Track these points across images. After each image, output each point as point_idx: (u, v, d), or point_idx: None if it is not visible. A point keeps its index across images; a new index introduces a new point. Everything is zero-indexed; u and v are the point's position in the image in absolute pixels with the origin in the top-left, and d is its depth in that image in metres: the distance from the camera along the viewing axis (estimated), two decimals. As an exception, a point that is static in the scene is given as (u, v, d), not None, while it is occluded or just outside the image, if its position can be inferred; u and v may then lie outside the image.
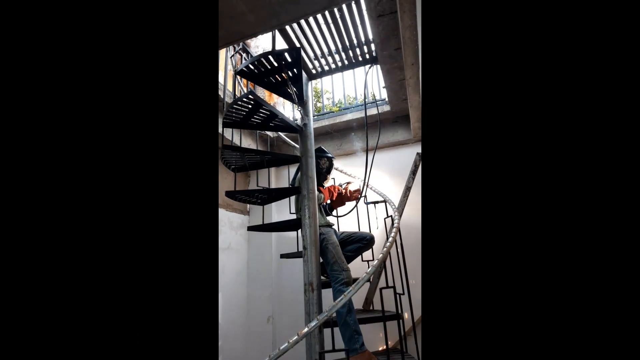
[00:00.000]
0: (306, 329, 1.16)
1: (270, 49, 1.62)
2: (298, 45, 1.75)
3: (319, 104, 3.24)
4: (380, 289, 1.50)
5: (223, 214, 2.50)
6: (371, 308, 2.08)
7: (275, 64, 1.58)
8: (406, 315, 1.67)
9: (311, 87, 2.13)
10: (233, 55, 2.06)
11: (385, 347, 1.46)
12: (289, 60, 1.55)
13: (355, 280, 1.57)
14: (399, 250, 1.70)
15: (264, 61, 1.56)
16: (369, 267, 1.37)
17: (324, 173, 2.01)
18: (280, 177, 2.91)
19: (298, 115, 1.90)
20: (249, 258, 2.74)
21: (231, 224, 2.60)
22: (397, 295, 1.55)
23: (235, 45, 2.07)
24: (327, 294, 1.66)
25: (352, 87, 2.81)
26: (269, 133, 2.67)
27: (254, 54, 2.14)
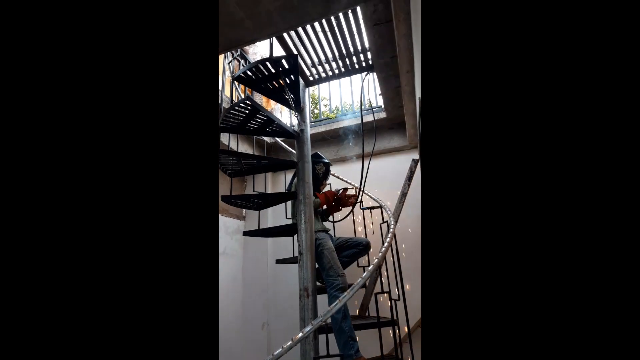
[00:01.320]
0: (300, 334, 1.16)
1: (267, 56, 1.65)
2: (295, 52, 1.78)
3: (316, 111, 3.27)
4: (376, 294, 1.50)
5: (218, 219, 2.49)
6: (367, 314, 2.07)
7: (273, 71, 1.60)
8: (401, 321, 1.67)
9: (308, 94, 2.15)
10: (231, 61, 2.08)
11: (380, 354, 1.45)
12: (287, 66, 1.57)
13: (350, 285, 1.57)
14: (395, 255, 1.70)
15: (262, 67, 1.58)
16: (364, 273, 1.37)
17: (320, 178, 2.02)
18: (277, 183, 2.92)
19: (295, 121, 1.91)
20: (244, 263, 2.73)
21: (227, 229, 2.59)
22: (393, 301, 1.55)
23: (233, 52, 2.09)
24: (322, 299, 1.65)
25: (348, 94, 2.84)
26: (266, 138, 2.68)
27: (252, 61, 2.16)
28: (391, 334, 1.57)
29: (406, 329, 1.63)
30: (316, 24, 1.68)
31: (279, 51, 1.80)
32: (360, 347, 1.52)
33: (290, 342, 1.13)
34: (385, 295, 1.55)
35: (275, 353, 1.12)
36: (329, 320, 1.52)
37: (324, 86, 3.13)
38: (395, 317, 1.55)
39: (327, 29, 1.70)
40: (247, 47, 2.59)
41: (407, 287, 1.71)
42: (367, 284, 2.02)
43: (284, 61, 1.54)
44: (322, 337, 1.49)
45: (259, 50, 2.68)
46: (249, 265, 2.72)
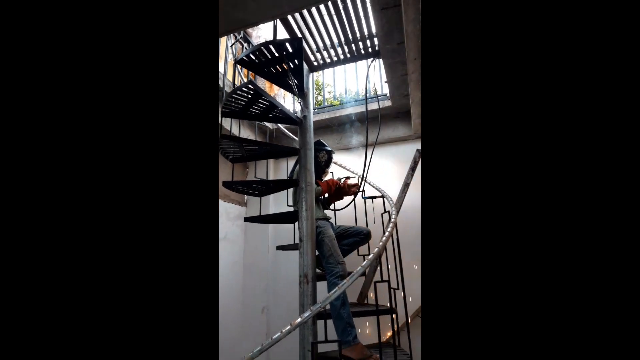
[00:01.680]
0: (299, 319, 1.17)
1: (271, 39, 1.60)
2: (300, 35, 1.73)
3: (319, 97, 3.22)
4: (375, 283, 1.51)
5: (220, 205, 2.50)
6: (366, 302, 2.09)
7: (276, 54, 1.56)
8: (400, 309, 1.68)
9: (312, 79, 2.11)
10: (234, 44, 2.04)
11: (378, 341, 1.47)
12: (290, 50, 1.53)
13: (350, 273, 1.58)
14: (395, 245, 1.70)
15: (265, 51, 1.54)
16: (364, 261, 1.37)
17: (322, 166, 2.01)
18: (279, 170, 2.91)
19: (298, 108, 1.89)
20: (245, 249, 2.75)
21: (228, 215, 2.59)
22: (392, 290, 1.56)
23: (236, 34, 2.04)
24: (322, 286, 1.66)
25: (354, 81, 2.78)
26: (269, 125, 2.65)
27: (255, 44, 2.11)
28: (389, 322, 1.59)
29: (405, 317, 1.64)
30: (322, 7, 1.63)
31: (283, 34, 1.75)
32: (358, 334, 1.53)
33: (288, 327, 1.14)
34: (385, 283, 1.56)
35: (274, 337, 1.13)
36: (328, 307, 1.54)
37: (328, 73, 3.08)
38: (394, 306, 1.56)
39: (333, 12, 1.65)
40: (250, 30, 2.53)
41: (406, 276, 1.72)
42: (367, 272, 2.03)
43: (287, 45, 1.50)
44: (320, 323, 1.50)
45: (262, 34, 2.62)
46: (250, 251, 2.74)
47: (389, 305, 1.56)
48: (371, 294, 2.05)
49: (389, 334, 1.99)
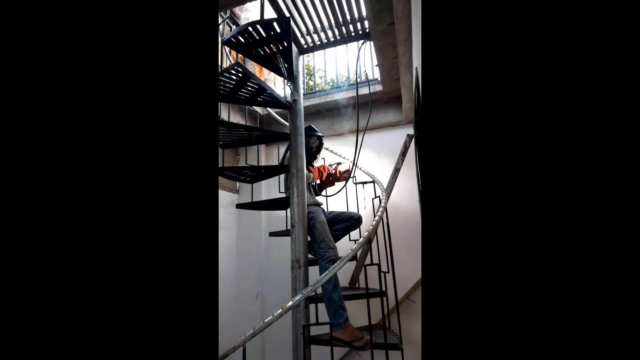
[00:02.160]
0: (290, 303, 1.18)
1: (258, 19, 1.55)
2: (288, 15, 1.68)
3: (310, 82, 3.17)
4: (365, 266, 1.52)
5: (211, 192, 2.47)
6: (357, 286, 2.12)
7: (264, 35, 1.52)
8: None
9: (302, 62, 2.07)
10: (220, 24, 1.97)
11: (368, 323, 1.50)
12: (279, 31, 1.49)
13: (341, 258, 1.59)
14: (385, 229, 1.71)
15: (253, 31, 1.49)
16: (355, 245, 1.38)
17: (313, 152, 1.99)
18: (271, 156, 2.88)
19: (288, 92, 1.85)
20: (238, 236, 2.74)
21: (220, 202, 2.58)
22: (382, 274, 1.58)
23: (222, 14, 1.97)
24: (314, 271, 1.68)
25: (345, 66, 2.73)
26: (259, 110, 2.61)
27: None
28: (380, 305, 1.62)
29: (395, 300, 1.67)
30: (311, -14, 1.57)
31: (271, 15, 1.70)
32: (350, 316, 1.56)
33: (280, 310, 1.15)
34: (375, 267, 1.57)
35: (265, 320, 1.14)
36: (320, 291, 1.55)
37: (319, 57, 3.01)
38: (384, 289, 1.59)
39: (322, -9, 1.59)
40: (238, 12, 2.44)
41: (396, 261, 1.74)
42: (358, 256, 2.05)
43: (275, 24, 1.45)
44: (312, 307, 1.52)
45: (251, 16, 2.54)
46: (243, 237, 2.74)
47: (379, 288, 1.59)
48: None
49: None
